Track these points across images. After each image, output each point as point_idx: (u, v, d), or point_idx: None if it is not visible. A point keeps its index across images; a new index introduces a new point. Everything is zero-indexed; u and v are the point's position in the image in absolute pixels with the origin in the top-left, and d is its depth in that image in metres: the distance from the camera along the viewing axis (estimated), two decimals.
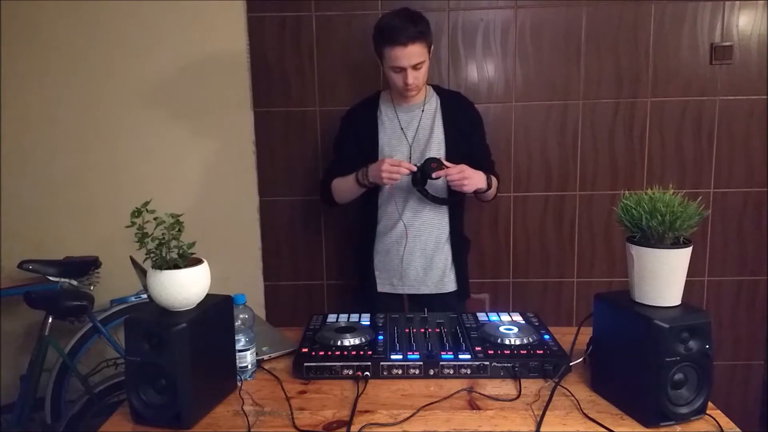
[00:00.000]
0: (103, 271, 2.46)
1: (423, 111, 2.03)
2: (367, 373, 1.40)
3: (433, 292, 2.09)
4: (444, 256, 2.08)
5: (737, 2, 2.34)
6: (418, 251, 2.06)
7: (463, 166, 1.89)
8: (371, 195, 2.06)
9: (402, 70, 1.88)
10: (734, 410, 2.24)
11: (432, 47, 1.96)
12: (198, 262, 1.26)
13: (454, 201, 2.05)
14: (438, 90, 2.11)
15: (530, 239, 2.53)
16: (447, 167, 1.87)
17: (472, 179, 1.90)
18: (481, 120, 2.14)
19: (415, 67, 1.88)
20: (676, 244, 1.21)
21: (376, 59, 1.98)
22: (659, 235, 1.20)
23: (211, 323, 1.28)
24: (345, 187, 2.04)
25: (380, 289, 2.11)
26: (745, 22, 2.35)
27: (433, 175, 1.87)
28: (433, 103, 2.06)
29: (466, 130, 2.06)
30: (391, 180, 1.86)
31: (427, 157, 1.94)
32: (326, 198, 2.12)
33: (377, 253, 2.11)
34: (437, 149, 2.01)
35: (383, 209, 2.07)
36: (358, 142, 2.06)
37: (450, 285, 2.10)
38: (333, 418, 1.25)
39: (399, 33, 1.84)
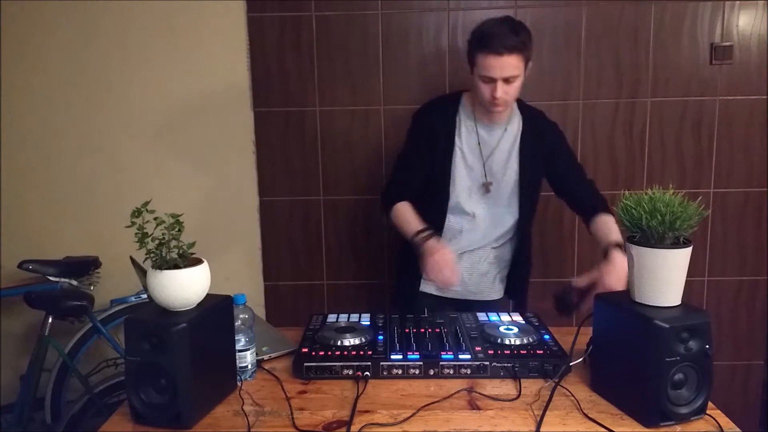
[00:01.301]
0: (103, 271, 2.46)
1: (505, 131, 1.87)
2: (367, 373, 1.40)
3: (479, 299, 1.98)
4: (497, 269, 1.97)
5: (737, 2, 2.34)
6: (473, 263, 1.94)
7: (609, 280, 1.60)
8: (440, 203, 1.90)
9: (492, 80, 1.72)
10: (734, 410, 2.22)
11: (530, 63, 1.78)
12: (198, 262, 1.26)
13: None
14: (521, 107, 1.92)
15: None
16: (582, 288, 1.66)
17: (622, 277, 1.58)
18: (563, 140, 1.95)
19: (507, 81, 1.71)
20: (676, 244, 1.21)
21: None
22: (659, 235, 1.20)
23: (211, 323, 1.28)
24: (402, 225, 1.85)
25: (422, 288, 1.97)
26: (745, 22, 2.35)
27: (578, 303, 1.68)
28: (515, 124, 1.89)
29: (545, 157, 1.91)
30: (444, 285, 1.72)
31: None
32: (387, 211, 1.93)
33: None
34: (511, 177, 1.88)
35: (450, 219, 1.92)
36: (431, 144, 1.87)
37: (495, 294, 1.99)
38: (333, 418, 1.25)
39: (496, 40, 1.68)
